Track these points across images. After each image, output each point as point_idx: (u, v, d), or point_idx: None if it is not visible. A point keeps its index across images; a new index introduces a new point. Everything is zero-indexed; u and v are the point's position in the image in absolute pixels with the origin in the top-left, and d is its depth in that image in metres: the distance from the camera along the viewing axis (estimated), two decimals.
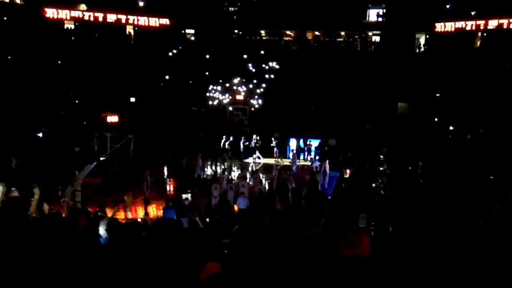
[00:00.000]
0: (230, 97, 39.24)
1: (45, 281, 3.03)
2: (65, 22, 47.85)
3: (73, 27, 48.43)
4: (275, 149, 30.63)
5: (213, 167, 27.63)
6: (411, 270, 3.25)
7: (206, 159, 27.62)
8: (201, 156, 24.81)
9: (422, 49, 50.91)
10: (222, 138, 30.59)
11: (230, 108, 36.47)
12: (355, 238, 3.20)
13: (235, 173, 25.93)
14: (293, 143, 30.72)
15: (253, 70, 43.59)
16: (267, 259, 2.78)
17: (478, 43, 46.95)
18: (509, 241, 6.85)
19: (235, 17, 55.30)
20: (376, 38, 54.02)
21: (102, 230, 8.08)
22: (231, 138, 30.62)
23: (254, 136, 30.68)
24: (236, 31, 55.50)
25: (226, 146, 30.39)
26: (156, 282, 2.84)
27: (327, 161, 25.54)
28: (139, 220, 16.98)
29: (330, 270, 3.01)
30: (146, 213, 18.25)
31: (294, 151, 28.84)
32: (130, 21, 50.28)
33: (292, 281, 2.73)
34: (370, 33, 54.25)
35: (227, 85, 40.24)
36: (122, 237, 7.69)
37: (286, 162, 29.08)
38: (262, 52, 46.88)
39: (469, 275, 3.66)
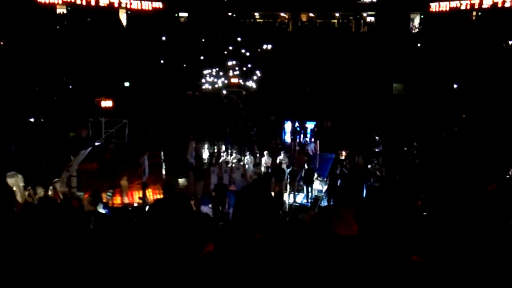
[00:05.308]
0: (225, 81, 39.04)
1: (38, 268, 3.01)
2: (57, 6, 47.38)
3: (65, 11, 47.94)
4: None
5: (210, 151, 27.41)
6: (407, 250, 3.25)
7: (201, 143, 27.50)
8: (194, 140, 24.65)
9: (417, 29, 50.73)
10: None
11: (225, 92, 36.27)
12: (349, 216, 3.18)
13: (230, 157, 25.77)
14: (288, 126, 30.60)
15: (247, 53, 43.36)
16: (263, 242, 2.75)
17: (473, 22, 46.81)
18: (505, 219, 6.88)
19: None
20: (371, 19, 53.75)
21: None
22: None
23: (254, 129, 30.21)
24: (229, 14, 55.09)
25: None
26: (152, 263, 2.82)
27: (317, 142, 25.65)
28: (136, 204, 16.99)
29: (326, 251, 3.00)
30: (144, 196, 18.21)
31: (290, 134, 28.81)
32: (123, 5, 49.89)
33: (287, 263, 2.71)
34: (364, 14, 53.96)
35: (221, 68, 40.04)
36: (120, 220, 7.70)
37: None
38: (257, 34, 46.62)
39: (465, 254, 3.67)
